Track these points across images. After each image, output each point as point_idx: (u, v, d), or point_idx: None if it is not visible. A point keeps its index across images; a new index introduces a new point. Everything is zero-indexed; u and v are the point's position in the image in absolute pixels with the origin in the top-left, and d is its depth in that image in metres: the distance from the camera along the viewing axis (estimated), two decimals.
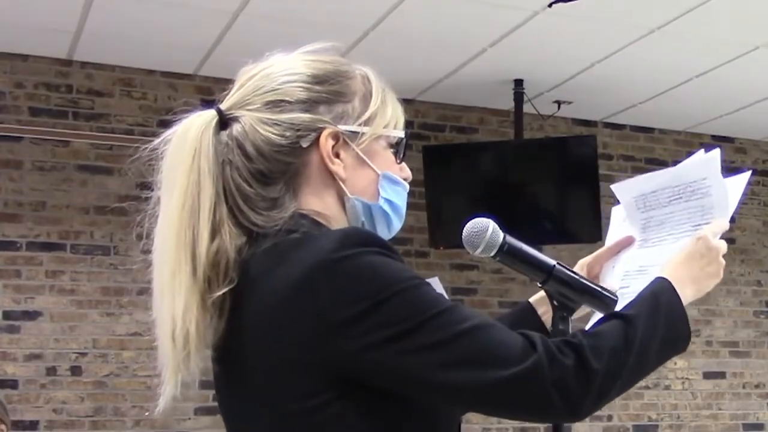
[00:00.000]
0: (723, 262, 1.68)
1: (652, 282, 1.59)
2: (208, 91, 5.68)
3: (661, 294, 1.55)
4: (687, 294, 1.59)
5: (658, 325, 1.50)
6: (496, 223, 1.63)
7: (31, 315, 5.46)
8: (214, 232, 1.44)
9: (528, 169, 6.12)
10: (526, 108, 6.17)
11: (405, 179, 1.59)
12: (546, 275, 1.65)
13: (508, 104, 6.27)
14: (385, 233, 1.55)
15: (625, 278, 1.80)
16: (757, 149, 7.38)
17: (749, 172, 1.78)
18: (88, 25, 5.11)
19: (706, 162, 1.75)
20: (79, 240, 5.58)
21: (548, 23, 5.06)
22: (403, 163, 1.60)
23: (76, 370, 5.50)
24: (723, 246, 1.68)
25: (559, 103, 6.38)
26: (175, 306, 1.42)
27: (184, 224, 1.44)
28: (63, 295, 5.53)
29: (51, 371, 5.46)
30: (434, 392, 1.39)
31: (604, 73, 5.81)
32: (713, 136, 7.04)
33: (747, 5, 4.92)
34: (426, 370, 1.35)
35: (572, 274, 1.68)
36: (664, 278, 1.59)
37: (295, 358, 1.37)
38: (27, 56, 5.57)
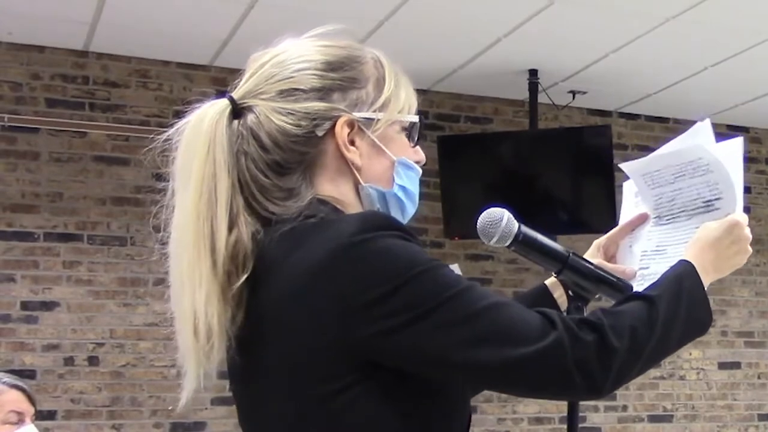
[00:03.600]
0: (750, 251, 1.68)
1: (675, 265, 1.59)
2: (223, 82, 5.66)
3: (684, 278, 1.55)
4: (707, 279, 1.59)
5: (680, 309, 1.50)
6: (511, 213, 1.63)
7: (49, 305, 5.50)
8: (232, 223, 1.44)
9: (543, 159, 6.11)
10: (541, 98, 6.16)
11: (419, 162, 1.59)
12: (561, 265, 1.66)
13: (523, 94, 6.26)
14: (399, 219, 1.54)
15: (643, 258, 1.80)
16: None
17: (741, 138, 1.77)
18: (104, 16, 5.13)
19: (696, 146, 1.74)
20: (95, 231, 5.61)
21: (563, 13, 5.05)
22: (418, 146, 1.59)
23: (93, 361, 5.54)
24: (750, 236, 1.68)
25: (573, 93, 6.36)
26: (196, 300, 1.42)
27: (201, 216, 1.43)
28: (80, 285, 5.56)
29: (68, 361, 5.50)
30: (456, 371, 1.40)
31: (619, 63, 5.79)
32: (729, 126, 7.00)
33: None
34: (447, 349, 1.36)
35: (587, 264, 1.69)
36: (687, 262, 1.59)
37: (316, 342, 1.37)
38: (43, 48, 5.59)
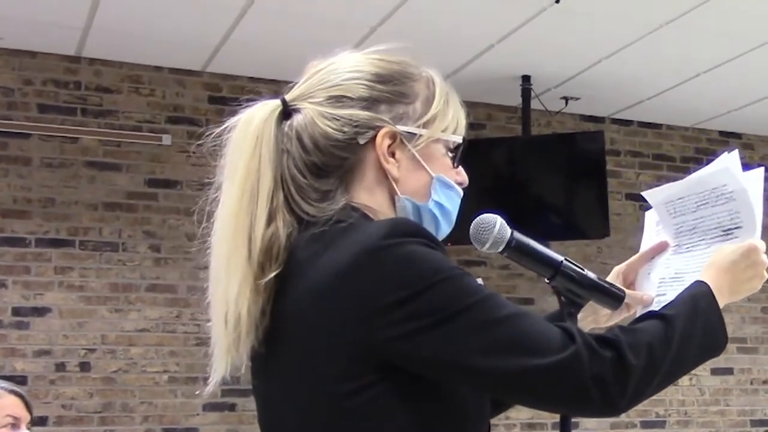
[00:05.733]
0: (767, 276, 1.68)
1: (691, 285, 1.60)
2: (215, 87, 5.65)
3: (700, 298, 1.56)
4: (722, 300, 1.60)
5: (696, 329, 1.51)
6: (504, 218, 1.64)
7: (40, 311, 5.48)
8: (271, 218, 1.48)
9: (535, 165, 6.12)
10: (534, 104, 6.17)
11: (460, 183, 1.61)
12: (553, 271, 1.65)
13: (516, 100, 6.27)
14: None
15: (661, 285, 1.80)
16: (764, 145, 7.36)
17: (762, 169, 1.77)
18: (96, 21, 5.13)
19: (724, 170, 1.75)
20: (87, 236, 5.59)
21: (556, 19, 5.06)
22: (460, 168, 1.62)
23: (84, 366, 5.52)
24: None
25: (566, 99, 6.38)
26: (229, 289, 1.46)
27: (243, 210, 1.48)
28: (72, 291, 5.55)
29: (60, 367, 5.48)
30: (472, 378, 1.40)
31: (612, 69, 5.81)
32: (721, 132, 7.02)
33: (754, 1, 4.91)
34: (464, 356, 1.37)
35: (580, 270, 1.69)
36: (703, 283, 1.60)
37: (337, 341, 1.39)
38: (35, 53, 5.58)
